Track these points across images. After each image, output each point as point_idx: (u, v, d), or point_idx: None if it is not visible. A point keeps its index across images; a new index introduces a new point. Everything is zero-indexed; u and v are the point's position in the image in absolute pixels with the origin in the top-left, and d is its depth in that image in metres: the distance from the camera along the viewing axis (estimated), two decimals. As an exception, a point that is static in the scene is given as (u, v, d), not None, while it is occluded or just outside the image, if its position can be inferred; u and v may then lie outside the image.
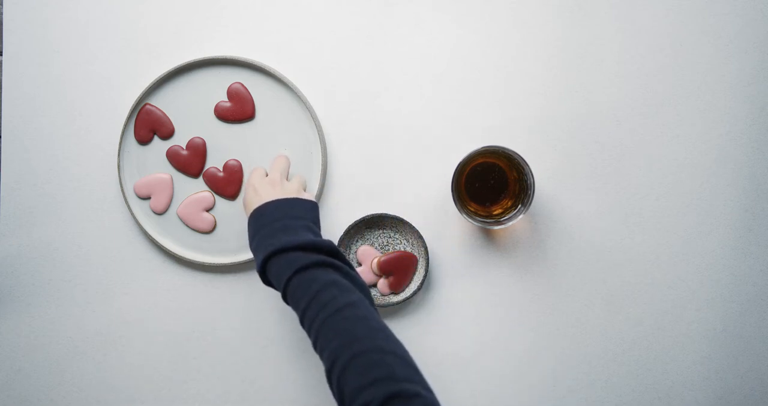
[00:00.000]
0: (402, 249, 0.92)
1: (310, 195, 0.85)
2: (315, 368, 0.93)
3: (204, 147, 0.93)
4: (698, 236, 0.93)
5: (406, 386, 0.62)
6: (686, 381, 0.92)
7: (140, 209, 0.93)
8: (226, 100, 0.92)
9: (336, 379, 0.64)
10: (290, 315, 0.93)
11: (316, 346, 0.69)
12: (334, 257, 0.76)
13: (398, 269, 0.91)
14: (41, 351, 0.95)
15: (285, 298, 0.75)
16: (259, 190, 0.83)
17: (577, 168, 0.93)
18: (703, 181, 0.93)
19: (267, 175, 0.88)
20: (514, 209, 0.88)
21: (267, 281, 0.78)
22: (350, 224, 0.91)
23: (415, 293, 0.91)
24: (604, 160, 0.93)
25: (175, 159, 0.93)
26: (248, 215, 0.82)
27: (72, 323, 0.95)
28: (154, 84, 0.92)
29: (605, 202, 0.93)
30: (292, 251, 0.74)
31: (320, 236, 0.79)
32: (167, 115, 0.93)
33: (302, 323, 0.72)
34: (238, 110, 0.92)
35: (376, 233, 0.93)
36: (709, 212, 0.93)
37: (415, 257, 0.91)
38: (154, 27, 0.94)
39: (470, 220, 0.87)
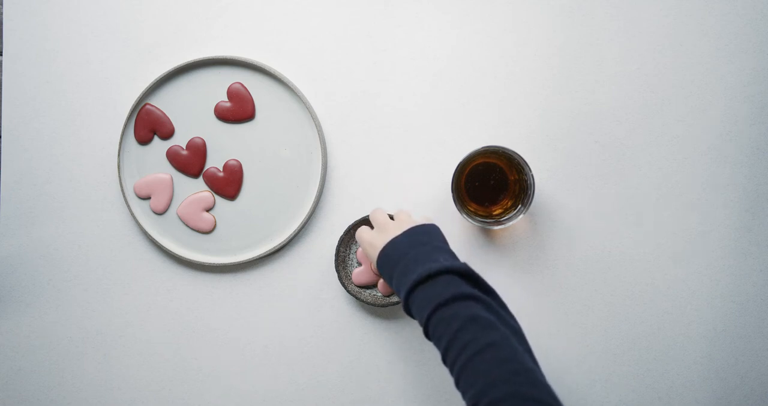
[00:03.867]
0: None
1: (425, 218, 0.82)
2: (315, 368, 0.93)
3: (204, 147, 0.93)
4: (698, 236, 0.93)
5: None
6: (686, 381, 0.92)
7: (140, 209, 0.93)
8: (226, 100, 0.92)
9: None
10: (290, 316, 0.93)
11: (459, 386, 0.67)
12: (473, 282, 0.73)
13: None
14: (41, 351, 0.95)
15: (427, 336, 0.72)
16: (374, 242, 0.80)
17: (577, 168, 0.93)
18: (703, 181, 0.93)
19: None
20: (514, 209, 0.88)
21: (412, 316, 0.76)
22: (350, 223, 0.91)
23: (415, 293, 0.91)
24: (604, 160, 0.93)
25: (175, 159, 0.93)
26: (375, 265, 0.80)
27: (72, 323, 0.95)
28: (154, 84, 0.92)
29: (605, 202, 0.93)
30: (429, 281, 0.72)
31: (453, 254, 0.77)
32: (167, 115, 0.93)
33: (444, 361, 0.70)
34: (238, 110, 0.92)
35: (376, 233, 0.93)
36: (709, 212, 0.93)
37: None
38: (154, 27, 0.94)
39: (470, 220, 0.87)
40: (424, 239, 0.77)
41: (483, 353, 0.66)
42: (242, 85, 0.92)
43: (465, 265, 0.74)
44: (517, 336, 0.70)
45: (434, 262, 0.74)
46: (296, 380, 0.93)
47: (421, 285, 0.72)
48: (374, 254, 0.80)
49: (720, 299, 0.93)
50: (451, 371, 0.68)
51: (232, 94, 0.92)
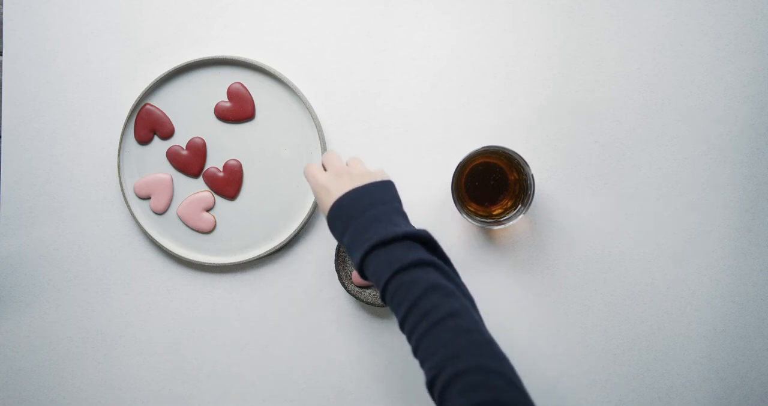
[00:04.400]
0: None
1: (381, 173, 0.78)
2: (314, 367, 0.93)
3: (204, 147, 0.93)
4: (698, 236, 0.93)
5: (521, 401, 0.60)
6: (686, 381, 0.92)
7: (140, 209, 0.93)
8: (226, 100, 0.92)
9: (438, 394, 0.62)
10: (290, 316, 0.93)
11: (417, 354, 0.66)
12: (432, 250, 0.72)
13: None
14: (41, 351, 0.95)
15: (383, 299, 0.71)
16: (329, 186, 0.76)
17: (577, 168, 0.93)
18: (703, 181, 0.93)
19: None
20: (514, 209, 0.88)
21: (366, 279, 0.74)
22: (350, 224, 0.91)
23: (415, 293, 0.91)
24: (604, 160, 0.93)
25: (175, 159, 0.93)
26: (326, 214, 0.76)
27: (72, 323, 0.95)
28: (154, 84, 0.92)
29: (605, 202, 0.93)
30: (390, 245, 0.70)
31: (407, 217, 0.76)
32: (167, 115, 0.93)
33: (402, 327, 0.68)
34: (238, 110, 0.92)
35: (376, 233, 0.93)
36: (709, 212, 0.93)
37: None
38: (154, 27, 0.94)
39: (470, 220, 0.87)
40: (383, 197, 0.75)
41: (445, 321, 0.65)
42: (242, 85, 0.92)
43: (425, 231, 0.72)
44: (474, 307, 0.70)
45: (395, 225, 0.72)
46: (296, 380, 0.93)
47: (383, 247, 0.70)
48: (327, 200, 0.76)
49: (720, 299, 0.93)
50: (409, 339, 0.67)
51: (232, 94, 0.92)
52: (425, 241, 0.72)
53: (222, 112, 0.92)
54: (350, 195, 0.75)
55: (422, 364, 0.65)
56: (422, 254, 0.70)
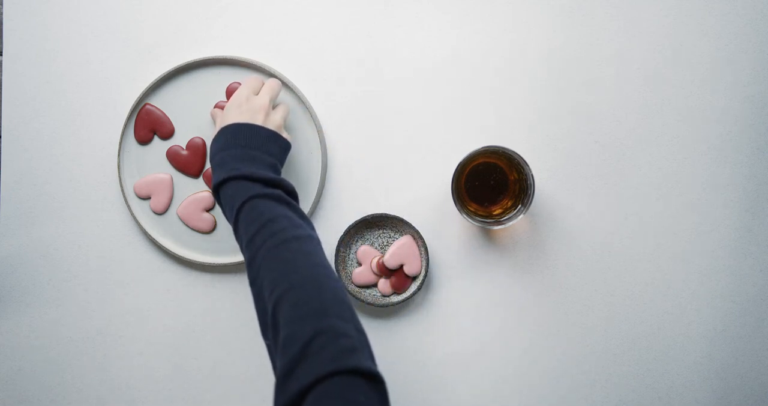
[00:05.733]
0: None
1: (287, 135, 0.83)
2: (315, 368, 0.93)
3: (204, 147, 0.93)
4: (698, 236, 0.93)
5: (337, 323, 0.61)
6: (686, 381, 0.92)
7: (140, 209, 0.93)
8: (226, 100, 0.92)
9: (272, 307, 0.64)
10: (290, 315, 0.93)
11: (258, 273, 0.68)
12: (293, 198, 0.76)
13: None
14: (41, 351, 0.95)
15: (235, 221, 0.73)
16: (243, 107, 0.80)
17: (577, 168, 0.93)
18: (703, 181, 0.93)
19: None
20: (514, 209, 0.88)
21: (218, 199, 0.77)
22: (350, 224, 0.91)
23: (415, 293, 0.91)
24: (604, 160, 0.93)
25: (175, 159, 0.93)
26: (222, 123, 0.80)
27: (72, 323, 0.95)
28: (154, 84, 0.92)
29: (605, 202, 0.93)
30: (254, 182, 0.74)
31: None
32: (167, 115, 0.93)
33: (247, 247, 0.70)
34: None
35: (376, 233, 0.93)
36: (709, 212, 0.93)
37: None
38: (154, 27, 0.94)
39: (470, 220, 0.87)
40: (276, 151, 0.79)
41: (289, 242, 0.68)
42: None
43: (292, 185, 0.76)
44: (320, 244, 0.73)
45: (268, 173, 0.75)
46: (296, 380, 0.93)
47: (246, 180, 0.74)
48: (233, 114, 0.80)
49: (720, 299, 0.93)
50: (252, 259, 0.69)
51: (231, 94, 0.92)
52: (288, 191, 0.76)
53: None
54: (252, 128, 0.78)
55: (262, 284, 0.67)
56: (281, 192, 0.74)
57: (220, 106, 0.90)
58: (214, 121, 0.84)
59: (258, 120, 0.80)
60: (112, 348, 0.95)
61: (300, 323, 0.60)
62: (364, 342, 0.61)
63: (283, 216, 0.71)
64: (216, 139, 0.79)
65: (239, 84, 0.91)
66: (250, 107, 0.80)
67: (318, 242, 0.71)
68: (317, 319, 0.61)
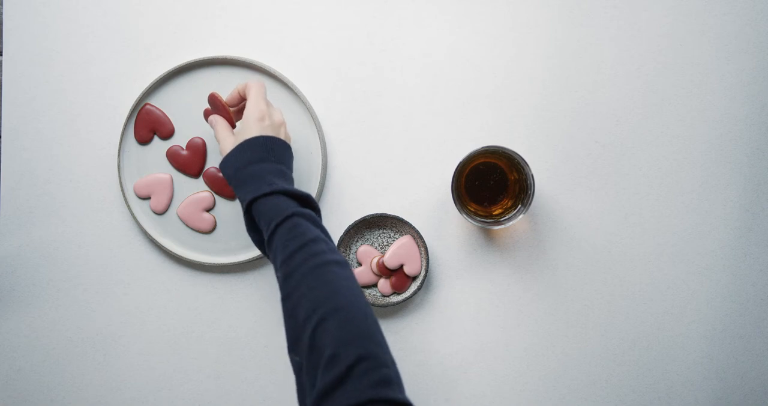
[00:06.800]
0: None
1: (287, 136, 0.83)
2: (315, 368, 0.93)
3: (204, 147, 0.93)
4: (698, 236, 0.93)
5: (379, 352, 0.63)
6: (686, 381, 0.92)
7: (140, 209, 0.93)
8: (210, 107, 0.89)
9: (313, 325, 0.65)
10: (290, 315, 0.93)
11: (294, 290, 0.69)
12: (319, 216, 0.77)
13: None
14: (41, 351, 0.95)
15: (271, 236, 0.73)
16: (266, 121, 0.79)
17: (577, 168, 0.93)
18: (703, 181, 0.93)
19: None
20: (514, 209, 0.88)
21: (249, 210, 0.76)
22: (350, 224, 0.91)
23: (415, 293, 0.91)
24: (604, 160, 0.93)
25: (175, 159, 0.93)
26: (246, 134, 0.78)
27: (72, 323, 0.95)
28: (154, 84, 0.92)
29: (605, 202, 0.93)
30: (291, 198, 0.75)
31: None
32: (167, 115, 0.93)
33: (284, 263, 0.71)
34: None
35: (376, 233, 0.93)
36: (709, 212, 0.93)
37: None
38: (154, 27, 0.94)
39: (470, 220, 0.87)
40: (287, 160, 0.79)
41: (330, 265, 0.69)
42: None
43: (316, 202, 0.77)
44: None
45: (296, 188, 0.77)
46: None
47: (281, 195, 0.74)
48: (257, 126, 0.79)
49: (720, 299, 0.93)
50: (289, 275, 0.70)
51: (214, 102, 0.89)
52: (316, 208, 0.77)
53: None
54: (271, 140, 0.78)
55: (299, 300, 0.68)
56: (313, 213, 0.76)
57: (211, 113, 0.86)
58: (215, 129, 0.82)
59: (281, 135, 0.81)
60: (112, 348, 0.95)
61: (345, 346, 0.62)
62: (398, 374, 0.64)
63: (321, 239, 0.72)
64: (242, 150, 0.78)
65: (217, 95, 0.85)
66: (273, 122, 0.80)
67: (351, 269, 0.73)
68: (362, 344, 0.63)
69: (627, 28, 0.93)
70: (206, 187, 0.93)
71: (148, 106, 0.92)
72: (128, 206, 0.93)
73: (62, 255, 0.94)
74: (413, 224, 0.92)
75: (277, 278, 0.73)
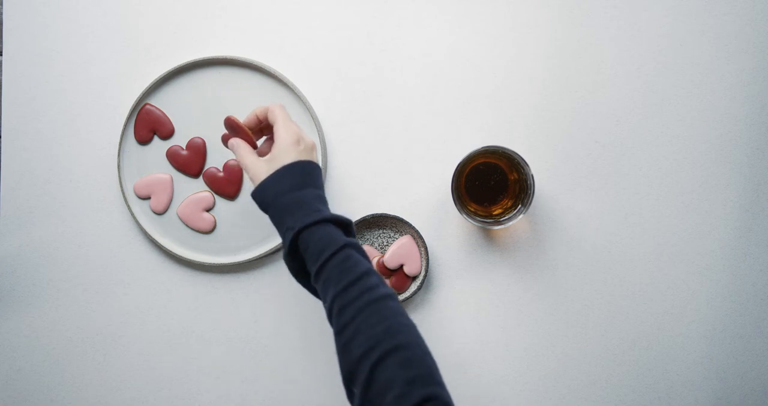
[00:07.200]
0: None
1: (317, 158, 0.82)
2: (315, 367, 0.93)
3: (204, 147, 0.93)
4: (698, 236, 0.93)
5: (443, 393, 0.63)
6: (686, 381, 0.92)
7: (140, 209, 0.93)
8: (227, 131, 0.84)
9: (372, 362, 0.64)
10: (290, 316, 0.93)
11: (349, 324, 0.68)
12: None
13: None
14: (41, 351, 0.95)
15: (322, 267, 0.72)
16: (301, 146, 0.77)
17: (577, 168, 0.93)
18: (703, 181, 0.93)
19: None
20: (514, 209, 0.88)
21: (294, 240, 0.74)
22: (350, 224, 0.91)
23: (415, 293, 0.91)
24: (604, 160, 0.93)
25: (175, 159, 0.93)
26: (282, 160, 0.76)
27: (72, 323, 0.95)
28: (154, 84, 0.92)
29: (605, 202, 0.93)
30: (337, 226, 0.73)
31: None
32: (167, 115, 0.93)
33: (338, 296, 0.70)
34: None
35: (376, 233, 0.93)
36: (709, 212, 0.93)
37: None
38: (154, 27, 0.94)
39: (470, 220, 0.87)
40: (321, 183, 0.78)
41: (386, 299, 0.69)
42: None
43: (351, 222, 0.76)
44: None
45: (338, 214, 0.75)
46: (296, 380, 0.93)
47: (327, 224, 0.73)
48: (296, 151, 0.77)
49: (720, 299, 0.93)
50: (343, 309, 0.69)
51: (231, 126, 0.83)
52: (350, 232, 0.76)
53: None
54: (310, 165, 0.77)
55: (355, 334, 0.67)
56: (356, 241, 0.74)
57: (230, 137, 0.82)
58: (239, 153, 0.79)
59: (315, 157, 0.79)
60: (112, 348, 0.95)
61: (410, 386, 0.62)
62: None
63: (373, 272, 0.71)
64: (282, 176, 0.75)
65: (234, 118, 0.81)
66: (307, 145, 0.78)
67: (399, 300, 0.73)
68: (426, 384, 0.63)
69: (627, 28, 0.93)
70: (206, 187, 0.93)
71: (148, 106, 0.92)
72: (128, 206, 0.93)
73: (62, 255, 0.95)
74: (413, 224, 0.92)
75: (326, 309, 0.71)
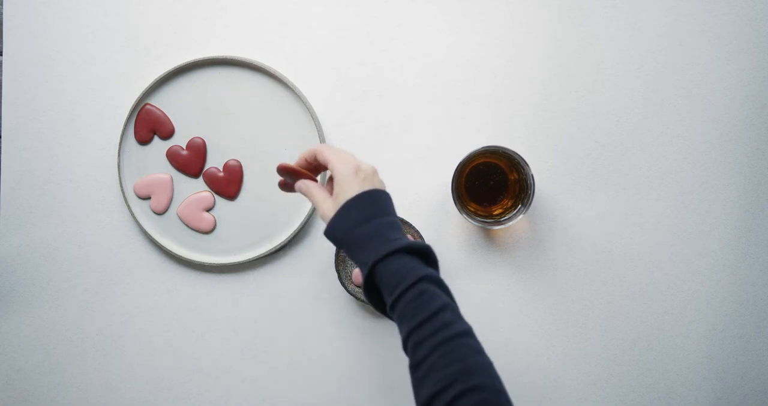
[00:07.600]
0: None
1: (381, 182, 0.78)
2: (315, 367, 0.93)
3: (204, 147, 0.93)
4: (698, 236, 0.93)
5: None
6: (686, 381, 0.92)
7: (140, 209, 0.93)
8: (281, 177, 0.81)
9: (448, 400, 0.64)
10: (290, 316, 0.93)
11: (425, 360, 0.67)
12: (436, 268, 0.74)
13: None
14: (41, 351, 0.95)
15: (398, 298, 0.70)
16: (361, 174, 0.74)
17: (577, 168, 0.93)
18: (703, 181, 0.93)
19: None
20: (514, 209, 0.88)
21: (371, 272, 0.72)
22: (350, 224, 0.91)
23: (415, 293, 0.91)
24: (604, 160, 0.93)
25: (175, 159, 0.93)
26: (350, 192, 0.73)
27: (72, 323, 0.95)
28: (154, 84, 0.92)
29: (605, 202, 0.93)
30: (412, 255, 0.71)
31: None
32: (167, 115, 0.93)
33: (414, 331, 0.69)
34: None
35: (376, 233, 0.93)
36: (709, 212, 0.93)
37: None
38: (154, 27, 0.94)
39: (470, 220, 0.87)
40: (393, 209, 0.76)
41: (461, 337, 0.68)
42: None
43: (431, 248, 0.73)
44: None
45: (412, 241, 0.73)
46: (296, 380, 0.93)
47: (402, 254, 0.71)
48: (372, 181, 0.75)
49: (720, 299, 0.93)
50: (417, 345, 0.68)
51: (285, 172, 0.80)
52: (434, 260, 0.73)
53: None
54: (383, 194, 0.74)
55: (427, 373, 0.67)
56: (434, 271, 0.72)
57: (286, 183, 0.80)
58: (309, 194, 0.76)
59: (377, 184, 0.76)
60: (112, 348, 0.95)
61: None
62: None
63: (449, 307, 0.70)
64: (347, 211, 0.73)
65: (287, 164, 0.78)
66: (366, 173, 0.75)
67: (476, 336, 0.71)
68: None
69: (627, 28, 0.93)
70: (206, 187, 0.93)
71: (148, 106, 0.92)
72: (128, 206, 0.93)
73: (62, 255, 0.95)
74: (413, 224, 0.92)
75: (402, 341, 0.70)
